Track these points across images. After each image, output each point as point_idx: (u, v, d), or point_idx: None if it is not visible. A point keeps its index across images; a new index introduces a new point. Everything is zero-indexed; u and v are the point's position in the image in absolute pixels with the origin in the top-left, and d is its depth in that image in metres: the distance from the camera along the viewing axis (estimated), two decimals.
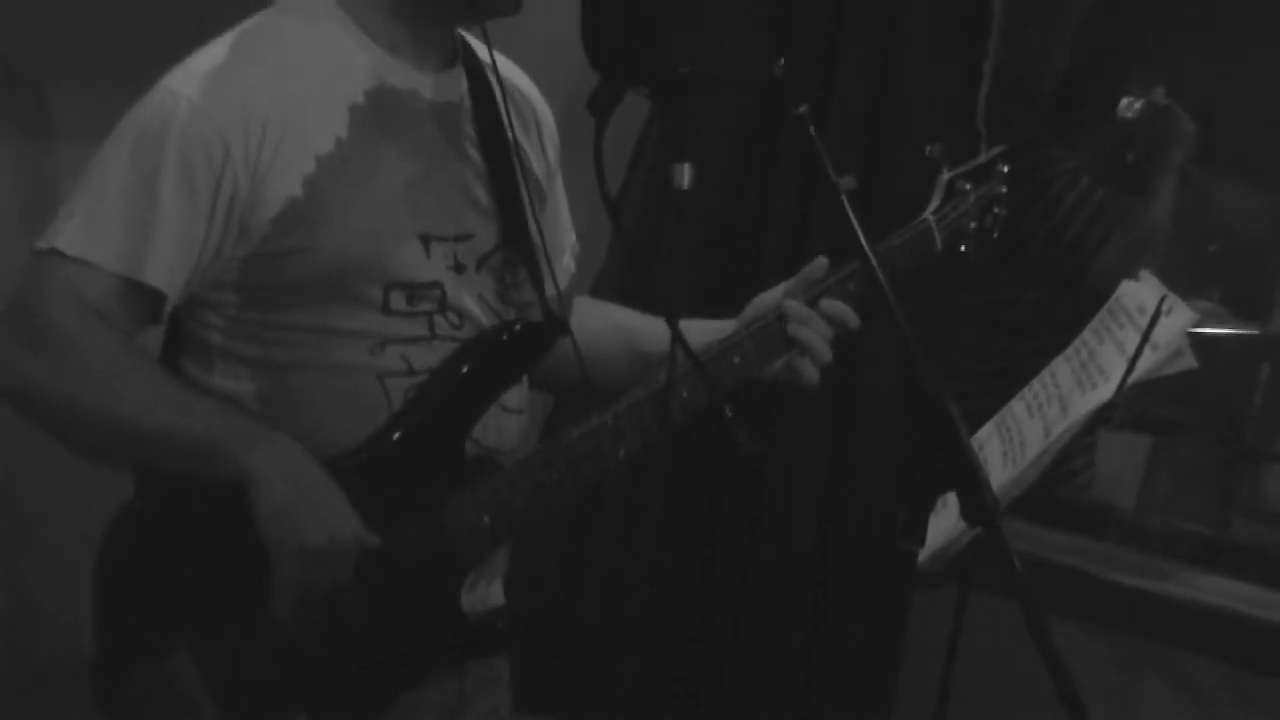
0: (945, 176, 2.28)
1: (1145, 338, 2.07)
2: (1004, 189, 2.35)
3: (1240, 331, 4.09)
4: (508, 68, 2.11)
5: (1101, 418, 2.12)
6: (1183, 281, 4.49)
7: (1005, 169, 2.36)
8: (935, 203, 2.26)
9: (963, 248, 2.30)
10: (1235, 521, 3.71)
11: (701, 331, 2.06)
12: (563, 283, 2.21)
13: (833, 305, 2.09)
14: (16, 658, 2.66)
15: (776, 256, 2.19)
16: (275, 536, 1.79)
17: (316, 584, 1.82)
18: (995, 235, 2.35)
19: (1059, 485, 2.98)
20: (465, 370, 1.93)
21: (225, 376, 1.92)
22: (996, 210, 2.34)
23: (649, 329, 2.16)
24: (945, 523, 2.09)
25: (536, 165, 2.12)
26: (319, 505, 1.81)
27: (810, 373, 2.08)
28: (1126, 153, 3.33)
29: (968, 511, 1.67)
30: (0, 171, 2.59)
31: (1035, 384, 2.27)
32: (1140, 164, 3.29)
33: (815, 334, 2.07)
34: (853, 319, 2.10)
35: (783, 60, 1.91)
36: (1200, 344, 4.29)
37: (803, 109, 1.81)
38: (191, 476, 1.81)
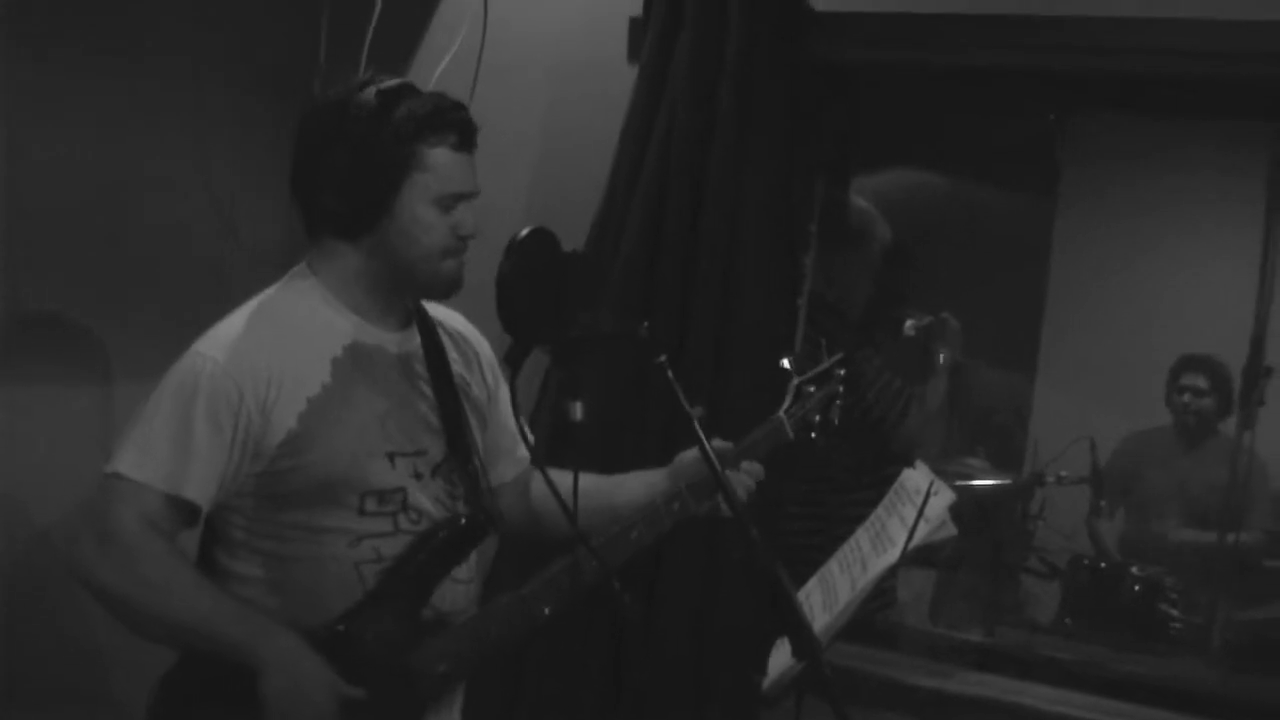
0: (795, 382, 2.27)
1: (920, 514, 2.10)
2: (841, 388, 2.35)
3: (999, 481, 4.18)
4: (451, 318, 2.17)
5: (894, 570, 2.12)
6: (958, 444, 4.59)
7: (842, 373, 2.37)
8: (787, 402, 2.26)
9: (813, 434, 2.29)
10: (1000, 629, 3.72)
11: (639, 482, 2.16)
12: (516, 471, 2.23)
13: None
14: None
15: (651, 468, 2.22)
16: (276, 714, 1.80)
17: None
18: (836, 424, 2.33)
19: (869, 607, 2.98)
20: (419, 558, 1.95)
21: (245, 563, 1.94)
22: (839, 402, 2.34)
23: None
24: (782, 657, 2.07)
25: (477, 391, 2.15)
26: (309, 692, 1.81)
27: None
28: (915, 353, 3.40)
29: (797, 650, 1.73)
30: (75, 405, 2.58)
31: (845, 548, 2.27)
32: (926, 361, 3.36)
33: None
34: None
35: (646, 323, 1.93)
36: (972, 492, 4.34)
37: (662, 358, 1.87)
38: (220, 657, 1.83)
